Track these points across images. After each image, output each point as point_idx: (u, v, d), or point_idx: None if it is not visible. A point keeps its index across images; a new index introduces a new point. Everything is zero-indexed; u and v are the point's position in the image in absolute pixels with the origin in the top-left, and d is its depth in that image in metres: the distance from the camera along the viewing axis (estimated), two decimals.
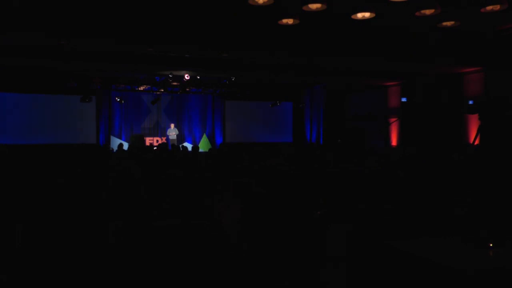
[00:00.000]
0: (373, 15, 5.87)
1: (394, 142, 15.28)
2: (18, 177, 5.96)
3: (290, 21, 6.02)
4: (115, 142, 16.36)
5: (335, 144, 15.01)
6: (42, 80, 14.92)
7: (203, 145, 17.61)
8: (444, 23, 6.72)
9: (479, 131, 5.03)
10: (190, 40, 9.19)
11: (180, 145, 14.92)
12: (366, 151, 11.94)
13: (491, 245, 2.53)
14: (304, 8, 5.58)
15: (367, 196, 4.61)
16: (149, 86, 16.28)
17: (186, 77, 13.68)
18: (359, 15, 5.91)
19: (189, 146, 13.94)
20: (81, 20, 8.17)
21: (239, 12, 8.29)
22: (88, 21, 8.24)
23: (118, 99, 16.02)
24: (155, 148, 13.46)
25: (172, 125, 16.72)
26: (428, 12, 5.87)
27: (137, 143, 14.18)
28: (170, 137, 16.40)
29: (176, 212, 4.44)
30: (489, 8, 5.71)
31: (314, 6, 5.54)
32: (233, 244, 3.98)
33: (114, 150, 14.09)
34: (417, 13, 5.96)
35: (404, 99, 14.83)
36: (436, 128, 12.97)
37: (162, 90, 16.50)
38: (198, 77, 14.89)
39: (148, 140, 17.33)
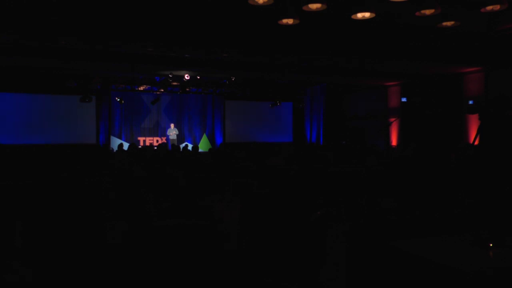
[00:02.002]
0: (373, 15, 5.86)
1: (394, 142, 15.29)
2: (18, 177, 5.96)
3: (290, 21, 6.01)
4: (115, 142, 16.36)
5: (339, 145, 15.02)
6: (42, 80, 14.92)
7: (203, 145, 17.61)
8: (444, 23, 6.71)
9: (479, 131, 5.02)
10: (190, 40, 9.19)
11: (182, 145, 14.92)
12: (366, 151, 11.95)
13: (491, 245, 2.53)
14: (304, 8, 5.57)
15: (367, 196, 4.61)
16: (149, 86, 16.30)
17: (186, 77, 13.68)
18: (359, 15, 5.91)
19: (189, 146, 13.94)
20: (81, 20, 8.16)
21: (239, 12, 8.28)
22: (89, 21, 8.24)
23: (118, 99, 16.02)
24: (155, 148, 13.47)
25: (172, 125, 16.72)
26: (428, 12, 5.87)
27: None
28: (170, 137, 16.41)
29: (176, 212, 4.44)
30: (489, 8, 5.70)
31: (314, 6, 5.53)
32: (232, 244, 3.99)
33: (114, 150, 14.09)
34: (417, 13, 5.96)
35: (404, 99, 14.83)
36: (436, 128, 12.97)
37: (162, 90, 16.51)
38: (198, 77, 14.88)
39: (148, 140, 17.34)
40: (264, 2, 5.43)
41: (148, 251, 3.69)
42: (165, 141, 16.61)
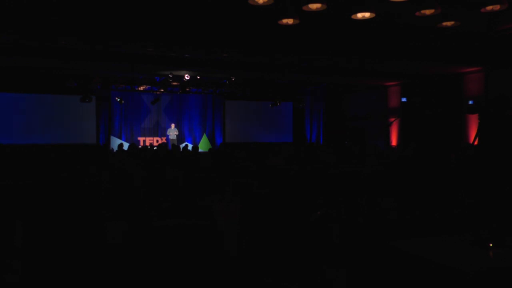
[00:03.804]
0: (373, 15, 5.86)
1: (394, 142, 15.29)
2: (18, 177, 5.96)
3: (290, 21, 6.00)
4: (115, 142, 16.36)
5: (340, 145, 15.01)
6: (42, 80, 14.93)
7: (203, 145, 17.61)
8: (444, 23, 6.71)
9: (479, 131, 5.02)
10: (190, 40, 9.19)
11: (182, 145, 14.92)
12: (366, 151, 11.94)
13: (491, 245, 2.53)
14: (304, 8, 5.57)
15: (367, 196, 4.61)
16: (149, 86, 16.30)
17: (186, 77, 13.67)
18: (359, 15, 5.90)
19: (189, 146, 13.96)
20: (81, 20, 8.16)
21: (239, 12, 8.29)
22: (89, 21, 8.24)
23: (118, 99, 16.02)
24: (155, 148, 13.46)
25: (173, 125, 16.73)
26: (428, 12, 5.87)
27: None
28: (170, 137, 16.41)
29: (176, 212, 4.44)
30: (489, 8, 5.70)
31: (314, 6, 5.53)
32: (232, 244, 3.99)
33: (114, 150, 14.09)
34: (417, 13, 5.96)
35: (404, 99, 14.83)
36: (436, 128, 12.97)
37: (162, 90, 16.51)
38: (198, 77, 14.88)
39: (148, 140, 17.35)
40: (264, 2, 5.43)
41: (148, 251, 3.69)
42: (165, 141, 16.62)
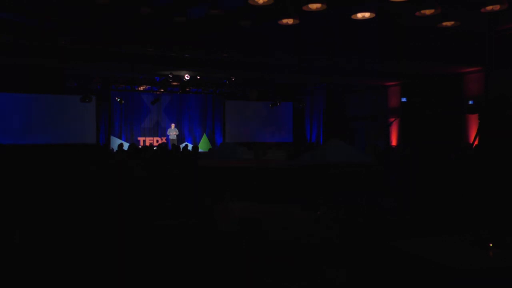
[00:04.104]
0: (373, 15, 5.87)
1: (394, 142, 15.28)
2: (18, 177, 5.96)
3: (290, 21, 6.01)
4: (115, 142, 16.36)
5: None
6: (42, 80, 14.91)
7: (203, 145, 17.62)
8: (444, 23, 6.71)
9: (479, 131, 5.03)
10: (190, 40, 9.19)
11: (182, 145, 14.92)
12: (366, 151, 11.93)
13: (491, 245, 2.53)
14: (304, 8, 5.57)
15: (367, 196, 4.61)
16: (149, 86, 16.29)
17: (186, 77, 13.67)
18: (359, 15, 5.91)
19: (189, 146, 13.96)
20: (81, 20, 8.17)
21: (239, 12, 8.28)
22: (89, 21, 8.24)
23: (118, 99, 16.02)
24: (155, 148, 13.47)
25: (173, 125, 16.73)
26: (428, 12, 5.87)
27: None
28: (170, 137, 16.41)
29: (176, 212, 4.45)
30: (489, 8, 5.70)
31: (314, 6, 5.53)
32: (232, 243, 3.98)
33: (114, 150, 14.08)
34: (417, 13, 5.96)
35: (404, 99, 14.82)
36: (436, 128, 12.97)
37: (162, 90, 16.51)
38: (198, 77, 14.88)
39: (148, 140, 17.34)
40: (264, 2, 5.43)
41: (148, 250, 3.69)
42: (165, 141, 16.62)
